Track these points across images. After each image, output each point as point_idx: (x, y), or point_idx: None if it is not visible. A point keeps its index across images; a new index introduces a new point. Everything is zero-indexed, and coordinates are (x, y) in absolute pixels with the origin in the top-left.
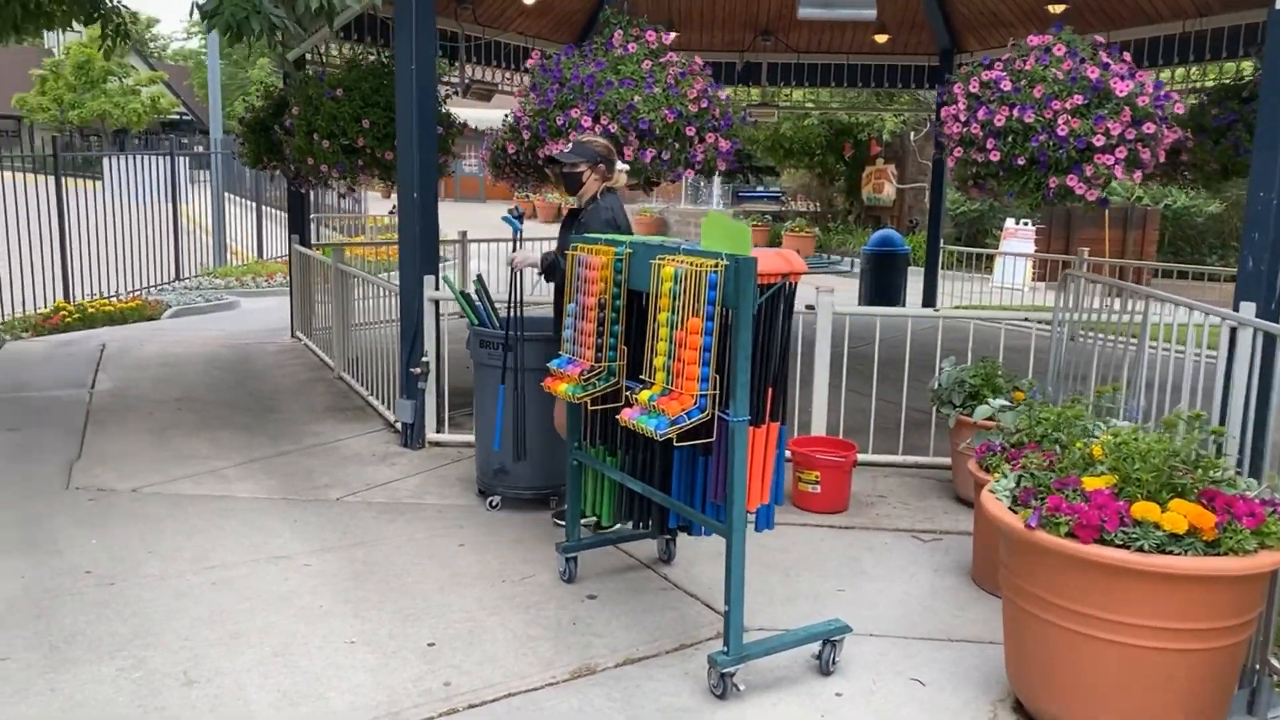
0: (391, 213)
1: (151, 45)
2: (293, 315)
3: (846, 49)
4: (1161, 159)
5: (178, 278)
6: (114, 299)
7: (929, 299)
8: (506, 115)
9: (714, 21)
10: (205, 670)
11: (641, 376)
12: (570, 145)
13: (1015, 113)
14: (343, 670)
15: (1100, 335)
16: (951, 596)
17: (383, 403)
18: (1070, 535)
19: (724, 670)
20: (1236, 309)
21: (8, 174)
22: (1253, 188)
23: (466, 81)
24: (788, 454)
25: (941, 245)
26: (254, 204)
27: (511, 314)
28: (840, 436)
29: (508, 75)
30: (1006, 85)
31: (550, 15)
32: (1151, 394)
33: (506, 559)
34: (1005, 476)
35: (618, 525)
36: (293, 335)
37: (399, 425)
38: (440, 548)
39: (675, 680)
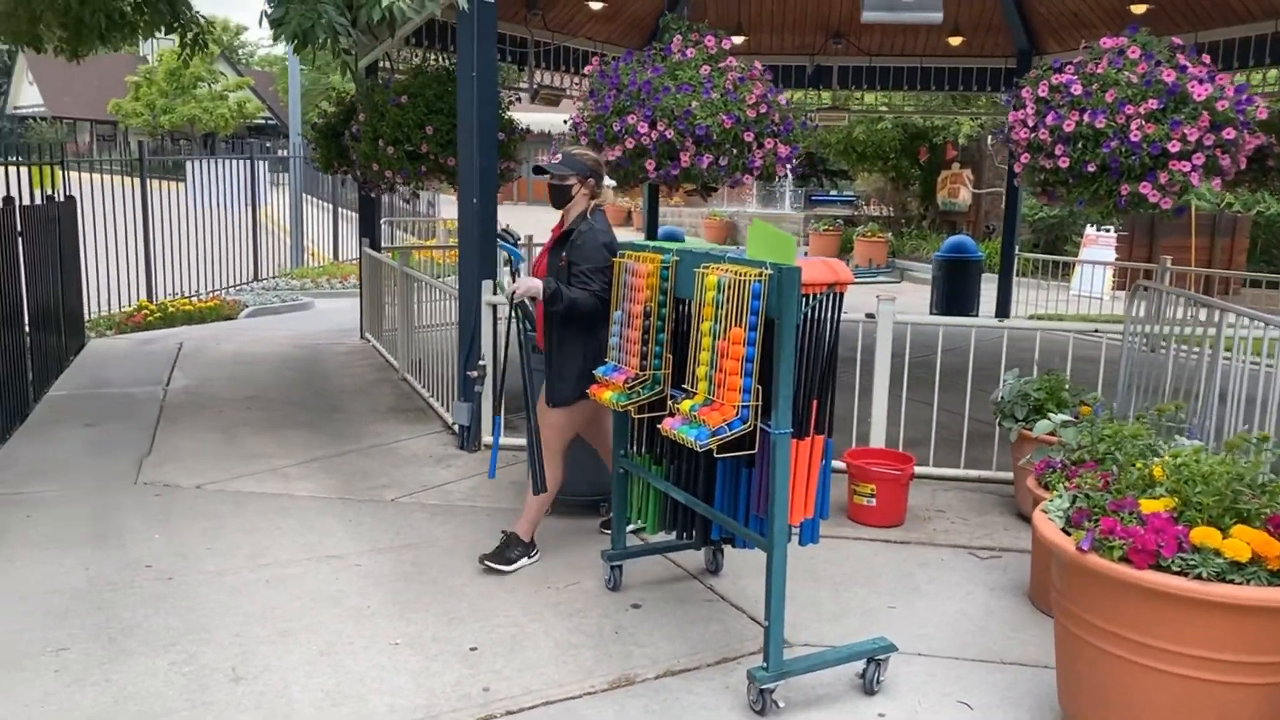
0: None
1: (239, 52)
2: (362, 317)
3: (919, 51)
4: (1243, 165)
5: (256, 278)
6: (194, 299)
7: (1003, 307)
8: (565, 120)
9: (784, 25)
10: (253, 667)
11: (684, 385)
12: (560, 157)
13: (1086, 118)
14: (385, 672)
15: (1179, 348)
16: (1007, 617)
17: (442, 404)
18: (1124, 560)
19: (763, 686)
20: None
21: (102, 176)
22: None
23: (535, 87)
24: (843, 466)
25: (1017, 252)
26: (331, 206)
27: (523, 355)
28: (899, 449)
29: (576, 80)
30: (1077, 89)
31: (619, 20)
32: (1225, 410)
33: (553, 565)
34: (1060, 496)
35: (662, 534)
36: (361, 336)
37: (456, 427)
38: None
39: (715, 694)
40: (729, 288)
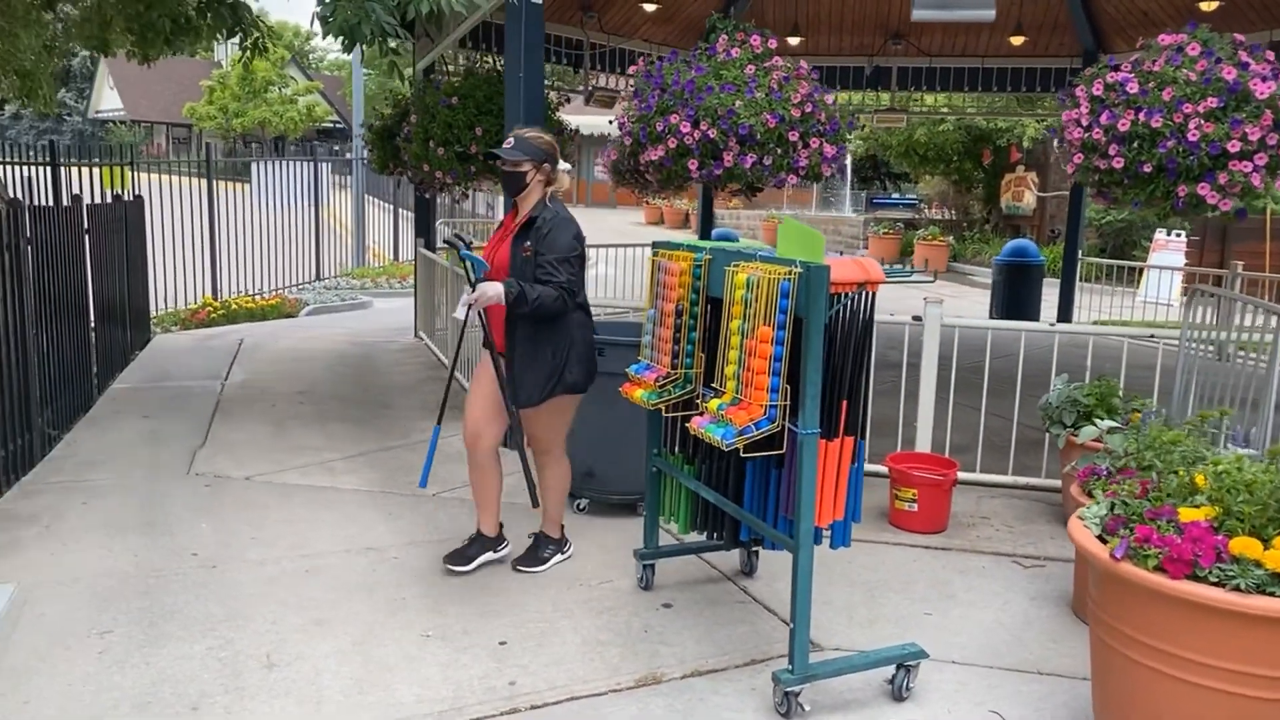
0: None
1: (309, 57)
2: (416, 315)
3: (982, 52)
4: None
5: (318, 278)
6: (256, 296)
7: (1064, 313)
8: (611, 121)
9: (842, 25)
10: (287, 654)
11: (713, 384)
12: (512, 141)
13: (1141, 116)
14: (414, 663)
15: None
16: (1046, 627)
17: None
18: (1159, 569)
19: (788, 689)
20: None
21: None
22: None
23: (590, 89)
24: (884, 470)
25: (1080, 257)
26: (392, 207)
27: (494, 358)
28: (945, 454)
29: (630, 83)
30: (1133, 87)
31: (676, 22)
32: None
33: (587, 562)
34: (1098, 503)
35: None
36: (415, 335)
37: None
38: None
39: (740, 696)
40: (758, 286)
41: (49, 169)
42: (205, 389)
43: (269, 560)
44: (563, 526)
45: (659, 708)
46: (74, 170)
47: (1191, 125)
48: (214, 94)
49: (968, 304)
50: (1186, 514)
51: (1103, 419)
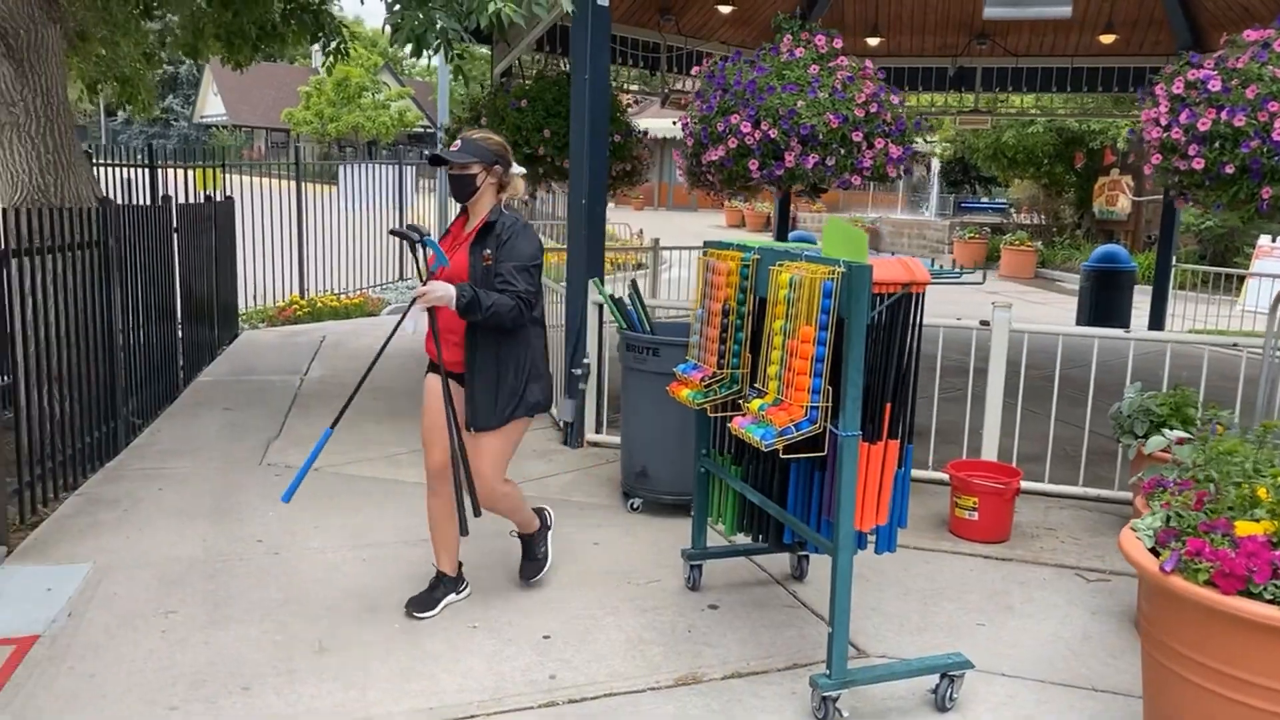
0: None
1: (402, 64)
2: None
3: (1071, 51)
4: None
5: (400, 278)
6: (341, 295)
7: (1156, 321)
8: (674, 123)
9: (924, 25)
10: (338, 640)
11: (756, 384)
12: (460, 143)
13: (1224, 115)
14: (459, 653)
15: None
16: (1106, 642)
17: (550, 401)
18: (1210, 584)
19: (825, 694)
20: None
21: (268, 180)
22: None
23: (665, 91)
24: (944, 477)
25: (1174, 263)
26: None
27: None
28: (1013, 462)
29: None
30: (1215, 85)
31: (754, 24)
32: None
33: (636, 561)
34: (1153, 514)
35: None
36: None
37: (561, 423)
38: (576, 544)
39: (779, 699)
40: (800, 285)
41: (147, 170)
42: (285, 383)
43: (329, 548)
44: (541, 511)
45: (696, 707)
46: (171, 172)
47: (1277, 124)
48: (310, 100)
49: (1054, 311)
50: (1244, 527)
51: (1177, 429)
